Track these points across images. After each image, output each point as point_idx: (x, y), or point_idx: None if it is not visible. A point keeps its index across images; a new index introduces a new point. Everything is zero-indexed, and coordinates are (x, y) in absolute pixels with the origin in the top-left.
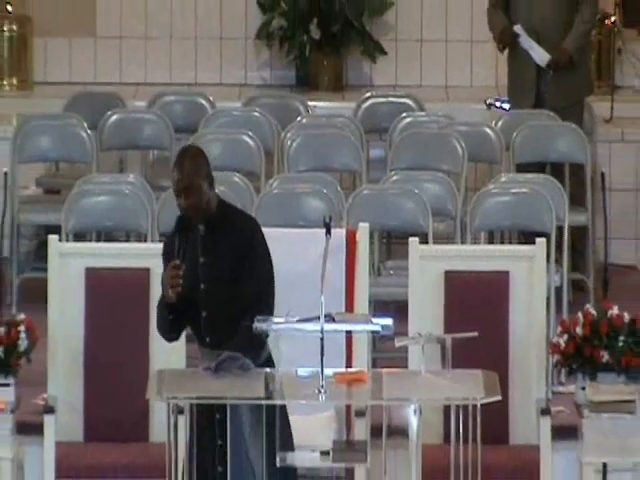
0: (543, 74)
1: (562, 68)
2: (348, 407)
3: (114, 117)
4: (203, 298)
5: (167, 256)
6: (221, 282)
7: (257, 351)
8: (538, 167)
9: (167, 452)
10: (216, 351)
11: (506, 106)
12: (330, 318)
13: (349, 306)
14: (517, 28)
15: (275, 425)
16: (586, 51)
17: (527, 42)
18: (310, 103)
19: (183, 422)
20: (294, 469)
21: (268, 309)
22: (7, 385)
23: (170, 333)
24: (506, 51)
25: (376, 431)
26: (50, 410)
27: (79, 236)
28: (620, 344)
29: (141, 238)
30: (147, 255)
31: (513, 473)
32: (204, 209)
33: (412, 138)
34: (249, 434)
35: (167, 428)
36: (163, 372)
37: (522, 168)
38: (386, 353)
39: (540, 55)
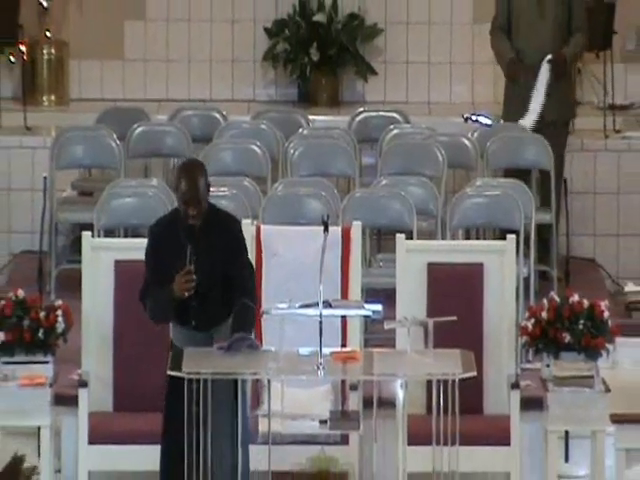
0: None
1: (556, 70)
2: (343, 382)
3: (139, 129)
4: (197, 290)
5: (156, 245)
6: (213, 275)
7: (253, 328)
8: (521, 173)
9: (186, 420)
10: (200, 332)
11: (482, 119)
12: (328, 304)
13: (344, 293)
14: (541, 84)
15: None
16: (573, 84)
17: (540, 86)
18: (310, 117)
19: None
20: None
21: (255, 292)
22: (46, 362)
23: (166, 320)
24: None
25: (367, 403)
26: (84, 384)
27: (109, 232)
28: (580, 327)
29: None
30: None
31: (487, 439)
32: (203, 213)
33: (399, 147)
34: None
35: (186, 400)
36: (181, 350)
37: (509, 174)
38: (376, 334)
39: (539, 104)
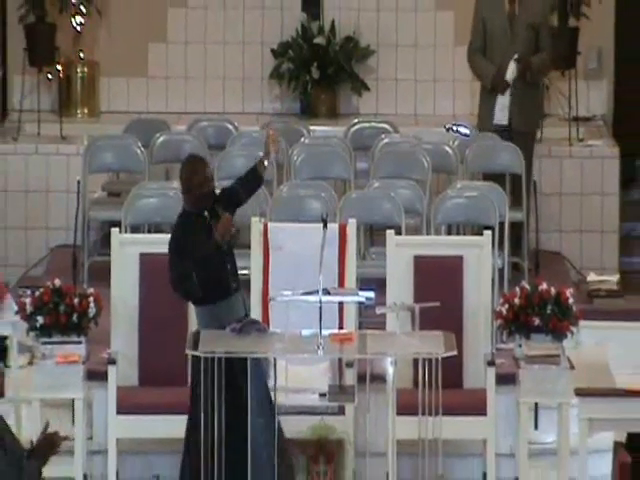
0: (512, 105)
1: (521, 67)
2: (340, 360)
3: (161, 138)
4: (225, 254)
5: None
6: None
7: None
8: (495, 177)
9: (203, 395)
10: (237, 294)
11: (462, 130)
12: (326, 292)
13: (341, 282)
14: (509, 78)
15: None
16: (540, 94)
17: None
18: (311, 127)
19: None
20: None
21: None
22: (80, 343)
23: (199, 292)
24: (478, 84)
25: (361, 378)
26: (112, 362)
27: (135, 229)
28: (548, 312)
29: None
30: None
31: (466, 410)
32: None
33: (389, 154)
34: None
35: (202, 376)
36: (198, 332)
37: (487, 177)
38: (369, 318)
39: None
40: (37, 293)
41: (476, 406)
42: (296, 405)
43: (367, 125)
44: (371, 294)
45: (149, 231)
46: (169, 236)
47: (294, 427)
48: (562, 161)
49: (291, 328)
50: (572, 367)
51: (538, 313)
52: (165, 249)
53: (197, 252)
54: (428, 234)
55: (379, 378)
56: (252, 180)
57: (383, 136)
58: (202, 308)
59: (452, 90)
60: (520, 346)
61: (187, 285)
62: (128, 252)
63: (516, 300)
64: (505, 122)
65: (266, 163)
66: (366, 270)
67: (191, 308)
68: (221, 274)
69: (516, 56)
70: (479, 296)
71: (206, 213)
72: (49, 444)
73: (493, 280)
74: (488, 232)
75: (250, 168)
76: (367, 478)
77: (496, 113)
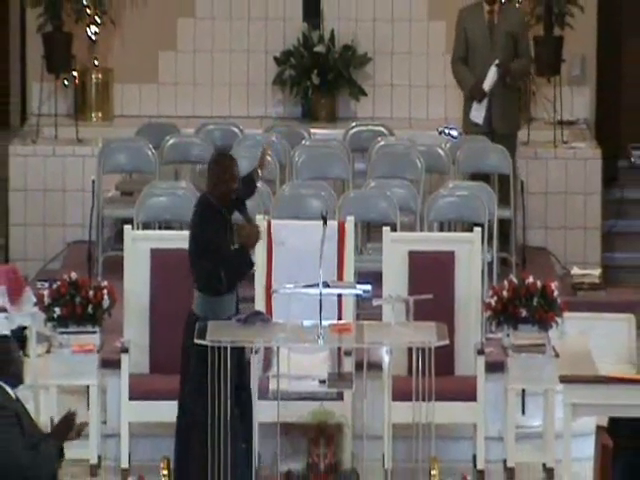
0: (493, 110)
1: (501, 71)
2: (339, 348)
3: (171, 140)
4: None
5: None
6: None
7: None
8: (484, 177)
9: (210, 381)
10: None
11: (453, 133)
12: (326, 284)
13: (340, 276)
14: (486, 87)
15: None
16: (517, 101)
17: (486, 87)
18: (312, 130)
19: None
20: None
21: None
22: (94, 332)
23: (225, 289)
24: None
25: (359, 366)
26: (125, 350)
27: (146, 226)
28: (534, 304)
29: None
30: None
31: (457, 396)
32: None
33: (385, 155)
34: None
35: (209, 364)
36: (205, 322)
37: (471, 177)
38: (366, 310)
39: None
40: (54, 286)
41: (467, 392)
42: (297, 391)
43: (364, 128)
44: (368, 287)
45: (159, 228)
46: (178, 233)
47: (295, 412)
48: (547, 162)
49: (293, 319)
50: (557, 355)
51: (525, 305)
52: (175, 245)
53: (225, 253)
54: (422, 231)
55: (375, 366)
56: (248, 186)
57: (379, 139)
58: (212, 297)
59: (444, 95)
60: (508, 336)
61: (214, 283)
62: (140, 247)
63: (504, 293)
64: (479, 121)
65: (260, 173)
66: (363, 264)
67: None
68: (245, 273)
69: (497, 61)
70: (469, 289)
71: (224, 210)
72: (67, 425)
73: (483, 274)
74: (478, 229)
75: (246, 174)
76: (364, 460)
77: (472, 112)
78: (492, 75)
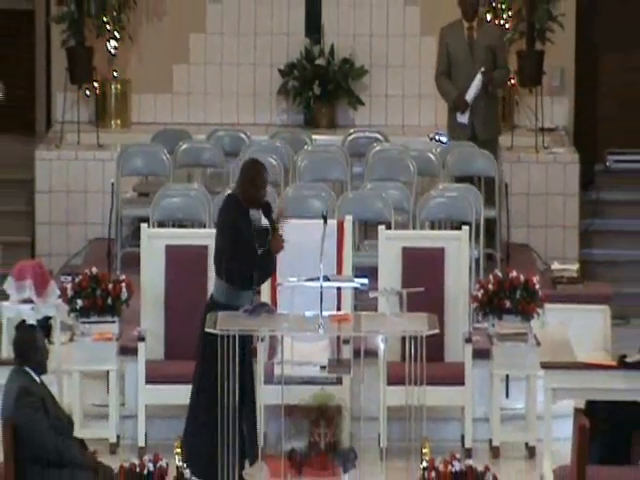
0: (475, 118)
1: (487, 83)
2: (338, 337)
3: (184, 146)
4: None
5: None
6: None
7: None
8: (469, 179)
9: (220, 368)
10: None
11: (442, 139)
12: (326, 278)
13: (339, 270)
14: (469, 98)
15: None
16: (497, 109)
17: (470, 96)
18: (313, 137)
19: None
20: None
21: None
22: (114, 322)
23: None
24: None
25: (356, 353)
26: (142, 339)
27: (161, 224)
28: (517, 296)
29: (201, 226)
30: (205, 236)
31: (447, 381)
32: None
33: (380, 160)
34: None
35: (219, 350)
36: (216, 313)
37: (459, 180)
38: (363, 302)
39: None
40: (77, 279)
41: (455, 377)
42: (300, 376)
43: (361, 135)
44: (365, 280)
45: (173, 226)
46: (190, 230)
47: (298, 395)
48: (530, 166)
49: (296, 310)
50: (538, 344)
51: (509, 297)
52: (187, 242)
53: (256, 257)
54: (414, 229)
55: (372, 353)
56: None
57: (375, 144)
58: (237, 290)
59: (434, 104)
60: (493, 326)
61: (246, 280)
62: (155, 244)
63: (490, 286)
64: (465, 121)
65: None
66: (360, 260)
67: (209, 291)
68: (270, 274)
69: (482, 69)
70: (458, 282)
71: (251, 213)
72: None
73: (470, 268)
74: (466, 227)
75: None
76: (361, 439)
77: (457, 115)
78: (477, 83)
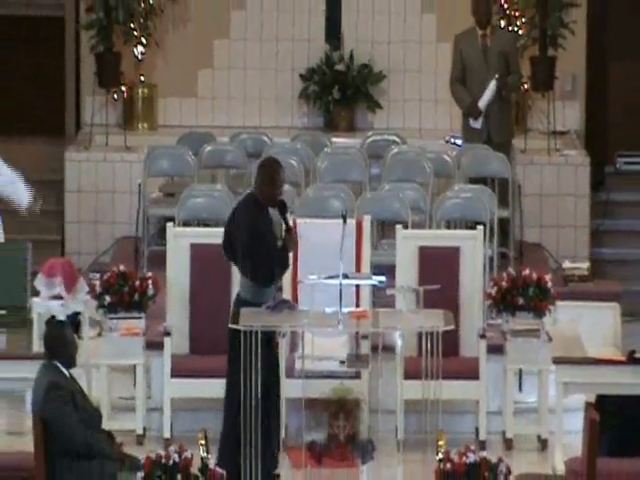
0: (489, 122)
1: (500, 84)
2: (357, 333)
3: (208, 148)
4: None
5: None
6: None
7: None
8: (483, 181)
9: (243, 362)
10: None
11: (458, 142)
12: (346, 276)
13: (357, 268)
14: (482, 105)
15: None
16: (511, 112)
17: (483, 103)
18: (333, 139)
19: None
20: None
21: None
22: (140, 318)
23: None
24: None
25: (374, 348)
26: (168, 334)
27: (186, 223)
28: (530, 293)
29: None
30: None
31: (462, 375)
32: None
33: (398, 161)
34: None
35: (242, 345)
36: (239, 308)
37: (473, 181)
38: (381, 298)
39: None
40: (105, 277)
41: (470, 372)
42: (320, 370)
43: (379, 137)
44: (383, 278)
45: (198, 225)
46: (214, 229)
47: (318, 388)
48: (542, 168)
49: (316, 306)
50: (550, 340)
51: (522, 294)
52: (212, 240)
53: (277, 251)
54: (430, 228)
55: (389, 348)
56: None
57: (393, 147)
58: (261, 287)
59: (450, 109)
60: (507, 322)
61: (267, 276)
62: (181, 243)
63: (503, 283)
64: (478, 126)
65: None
66: (378, 258)
67: (233, 289)
68: (286, 269)
69: (497, 76)
70: (473, 280)
71: (269, 211)
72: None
73: (484, 267)
74: (480, 227)
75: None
76: (379, 431)
77: (470, 121)
78: (492, 88)
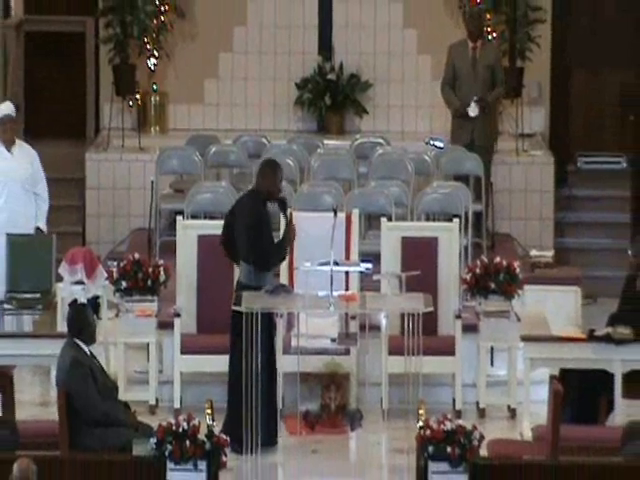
0: (475, 127)
1: (482, 107)
2: (346, 314)
3: (213, 149)
4: None
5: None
6: None
7: None
8: (462, 177)
9: (245, 341)
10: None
11: (437, 143)
12: (336, 263)
13: (347, 256)
14: (471, 111)
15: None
16: (496, 117)
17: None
18: (325, 141)
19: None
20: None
21: None
22: (153, 301)
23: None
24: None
25: (362, 327)
26: (177, 315)
27: (194, 216)
28: (500, 279)
29: None
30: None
31: (440, 351)
32: None
33: (383, 161)
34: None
35: (245, 326)
36: (241, 292)
37: (455, 179)
38: (368, 283)
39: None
40: (121, 264)
41: (447, 348)
42: (313, 347)
43: (366, 140)
44: (369, 265)
45: (204, 218)
46: (219, 222)
47: (312, 363)
48: (511, 167)
49: (310, 290)
50: (518, 319)
51: (493, 280)
52: (217, 232)
53: (274, 244)
54: (412, 221)
55: (375, 327)
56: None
57: (378, 148)
58: (261, 272)
59: (430, 114)
60: (480, 304)
61: (269, 262)
62: (189, 234)
63: (477, 270)
64: (475, 114)
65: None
66: (365, 247)
67: (235, 274)
68: (285, 258)
69: (476, 98)
70: (449, 267)
71: (269, 205)
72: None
73: (460, 255)
74: (456, 219)
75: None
76: (366, 402)
77: (469, 111)
78: (472, 109)
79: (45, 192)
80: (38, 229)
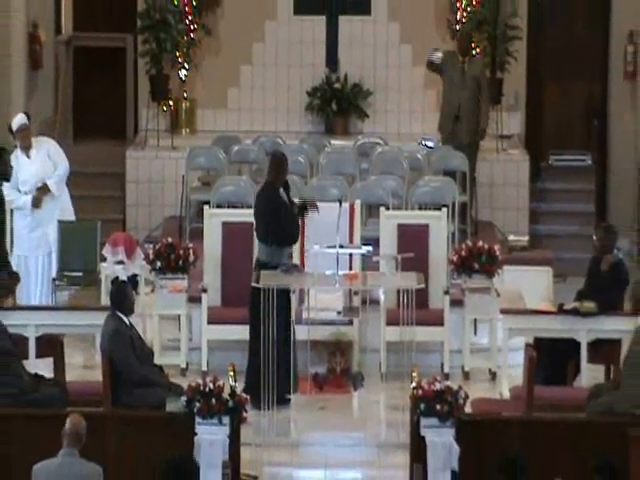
0: (459, 124)
1: (481, 136)
2: (350, 290)
3: (236, 147)
4: None
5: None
6: None
7: None
8: (451, 173)
9: (263, 313)
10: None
11: (428, 143)
12: (341, 246)
13: (351, 240)
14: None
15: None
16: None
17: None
18: (332, 142)
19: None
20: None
21: None
22: (184, 279)
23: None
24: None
25: (364, 302)
26: (204, 290)
27: (219, 206)
28: (483, 260)
29: (249, 207)
30: (252, 215)
31: (431, 322)
32: None
33: (381, 159)
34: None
35: (262, 300)
36: (259, 271)
37: (446, 174)
38: (369, 264)
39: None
40: (157, 247)
41: (437, 320)
42: (321, 319)
43: (367, 140)
44: (370, 248)
45: (228, 207)
46: (240, 211)
47: (320, 333)
48: (492, 163)
49: (319, 269)
50: (498, 295)
51: (476, 261)
52: (239, 219)
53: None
54: (406, 210)
55: (375, 302)
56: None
57: (378, 147)
58: (279, 249)
59: (422, 118)
60: (465, 282)
61: (288, 239)
62: (215, 221)
63: (462, 252)
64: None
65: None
66: (367, 233)
67: (254, 253)
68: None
69: (439, 49)
70: (439, 250)
71: (281, 190)
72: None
73: (448, 239)
74: (445, 209)
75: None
76: (367, 366)
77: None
78: (437, 56)
79: (63, 167)
80: (45, 186)
